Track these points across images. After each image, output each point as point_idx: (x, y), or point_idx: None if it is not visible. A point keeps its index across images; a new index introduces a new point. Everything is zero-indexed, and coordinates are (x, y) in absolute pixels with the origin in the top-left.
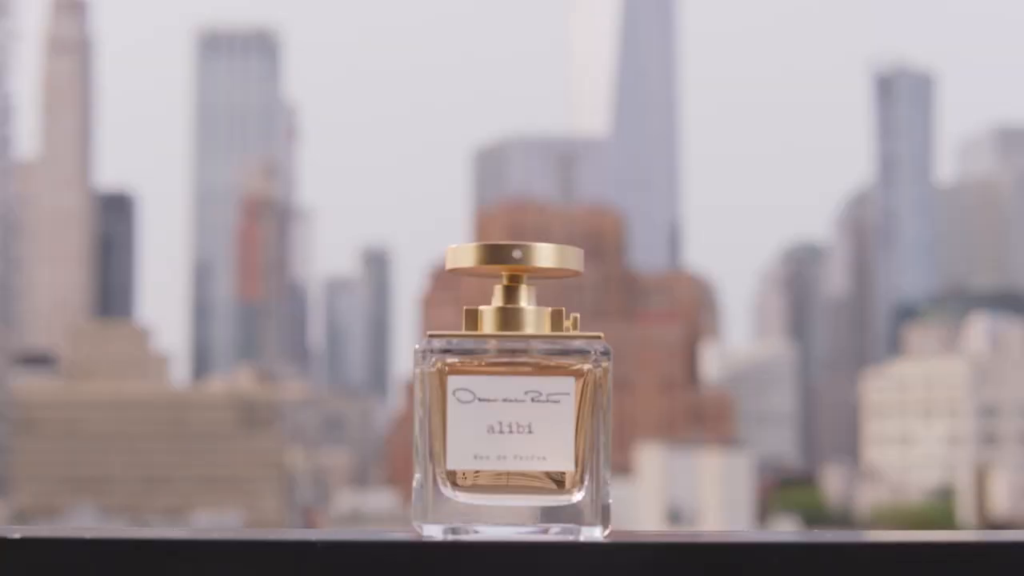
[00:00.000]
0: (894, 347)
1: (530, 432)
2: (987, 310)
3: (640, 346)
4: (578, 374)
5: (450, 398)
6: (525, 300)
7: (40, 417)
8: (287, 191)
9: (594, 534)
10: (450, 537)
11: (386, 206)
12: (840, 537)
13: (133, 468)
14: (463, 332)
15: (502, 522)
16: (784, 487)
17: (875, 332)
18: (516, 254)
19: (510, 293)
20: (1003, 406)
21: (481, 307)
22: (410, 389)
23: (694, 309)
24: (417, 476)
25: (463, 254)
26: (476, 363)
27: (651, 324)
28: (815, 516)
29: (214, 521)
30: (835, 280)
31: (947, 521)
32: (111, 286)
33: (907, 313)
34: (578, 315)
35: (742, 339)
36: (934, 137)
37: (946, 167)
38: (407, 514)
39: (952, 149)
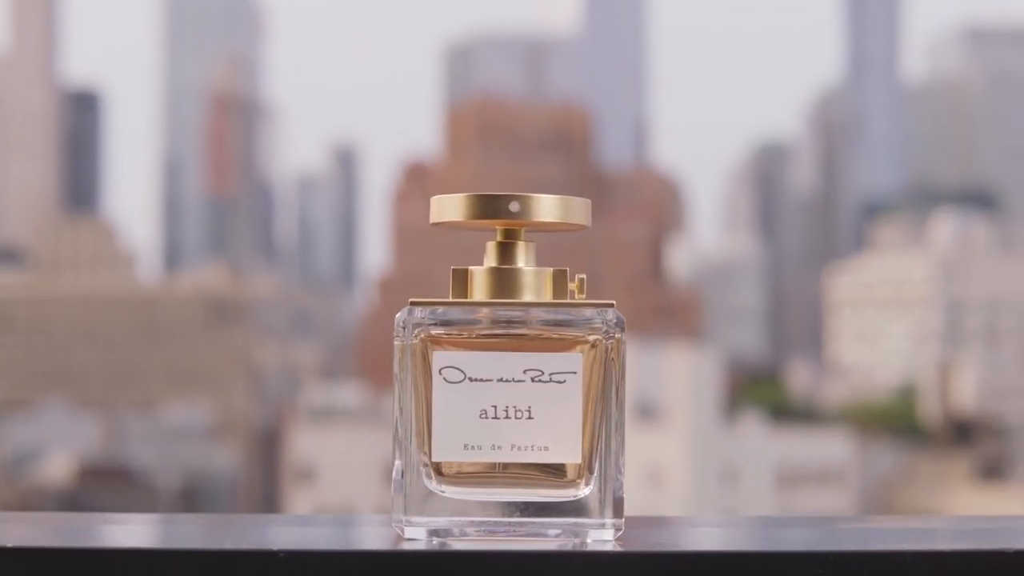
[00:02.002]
0: (861, 243)
1: (530, 417)
2: (954, 206)
3: (607, 243)
4: (586, 347)
5: (436, 377)
6: (523, 259)
7: (9, 312)
8: (256, 87)
9: (604, 536)
10: (435, 543)
11: (356, 103)
12: (890, 544)
13: (103, 363)
14: (450, 299)
15: (494, 521)
16: (751, 383)
17: (842, 229)
18: (514, 207)
19: (505, 251)
20: (968, 302)
21: (471, 267)
22: (380, 285)
23: (661, 206)
24: (397, 464)
25: (450, 205)
26: (466, 336)
27: (618, 221)
28: (780, 411)
29: (184, 415)
30: (803, 178)
31: (909, 418)
32: (80, 183)
33: (874, 210)
34: (584, 276)
35: (710, 236)
36: (903, 35)
37: (915, 66)
38: (378, 409)
39: (921, 48)
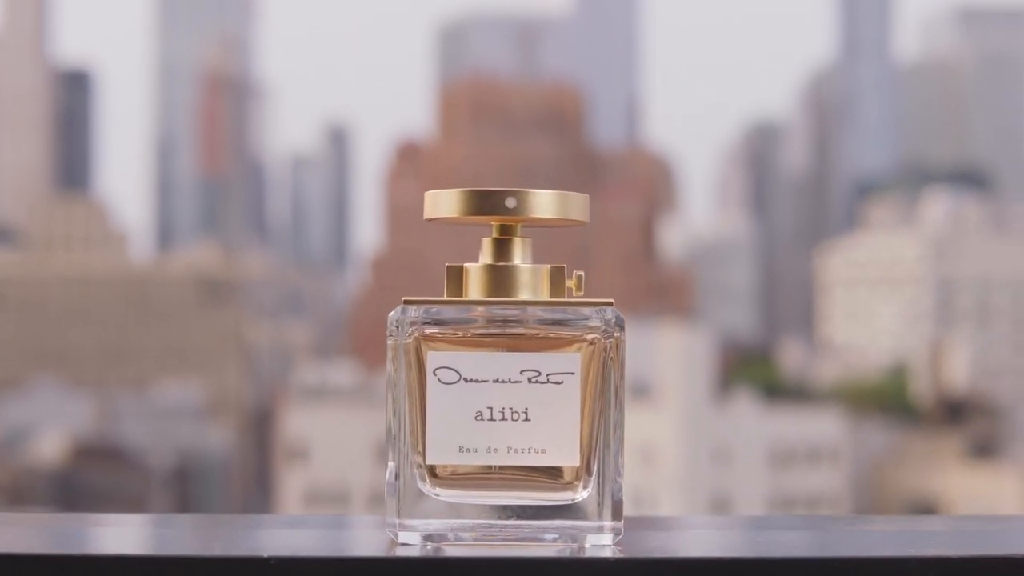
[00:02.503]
0: (853, 223)
1: (527, 419)
2: (946, 186)
3: (600, 223)
4: (584, 347)
5: (430, 378)
6: (519, 256)
7: (1, 291)
8: (249, 67)
9: (603, 541)
10: (429, 548)
11: (348, 83)
12: (895, 550)
13: (96, 342)
14: (444, 298)
15: (490, 525)
16: (743, 362)
17: (834, 208)
18: (510, 203)
19: (501, 248)
20: (960, 281)
21: (467, 264)
22: (372, 264)
23: (654, 186)
24: (391, 466)
25: (444, 201)
26: (461, 335)
27: (611, 201)
28: (772, 390)
29: (177, 395)
30: (795, 157)
31: (901, 397)
32: (72, 162)
33: (866, 189)
34: (583, 273)
35: (702, 216)
36: (895, 15)
37: (908, 46)
38: (370, 388)
39: (914, 28)
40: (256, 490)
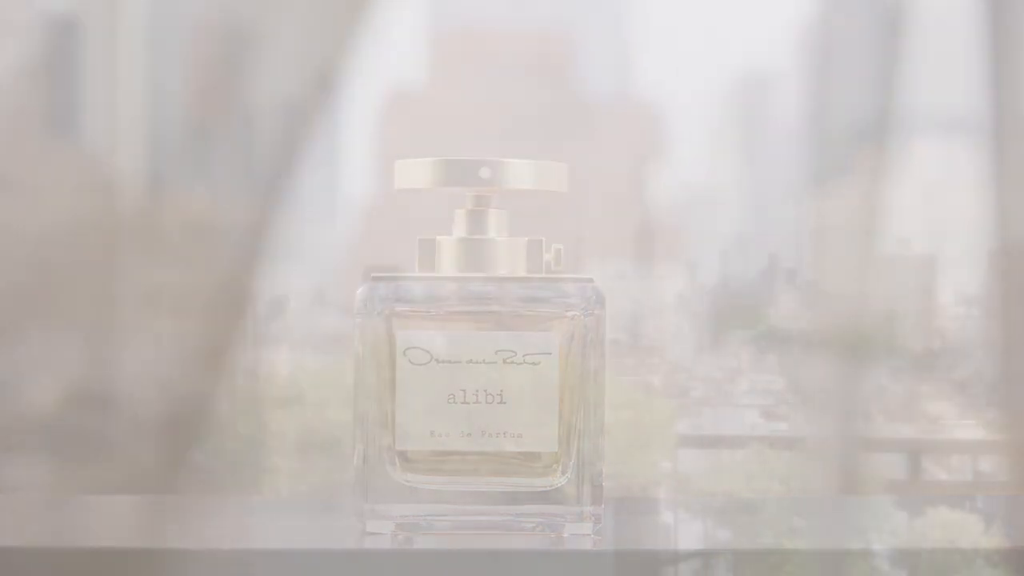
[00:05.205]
0: (846, 170)
1: (502, 402)
2: (940, 133)
3: (589, 172)
4: (562, 325)
5: (400, 359)
6: (495, 229)
7: None
8: (240, 12)
9: (582, 529)
10: (400, 538)
11: (338, 29)
12: (887, 543)
13: (85, 290)
14: (416, 274)
15: (464, 512)
16: (735, 311)
17: (828, 156)
18: (484, 173)
19: (476, 220)
20: (948, 229)
21: (439, 237)
22: (364, 212)
23: (644, 134)
24: (359, 448)
25: (415, 171)
26: (433, 313)
27: (600, 149)
28: (763, 332)
29: (169, 342)
30: (788, 104)
31: (894, 343)
32: (60, 109)
33: (860, 137)
34: (561, 247)
35: (694, 164)
36: None
37: None
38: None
39: None
40: (248, 435)
